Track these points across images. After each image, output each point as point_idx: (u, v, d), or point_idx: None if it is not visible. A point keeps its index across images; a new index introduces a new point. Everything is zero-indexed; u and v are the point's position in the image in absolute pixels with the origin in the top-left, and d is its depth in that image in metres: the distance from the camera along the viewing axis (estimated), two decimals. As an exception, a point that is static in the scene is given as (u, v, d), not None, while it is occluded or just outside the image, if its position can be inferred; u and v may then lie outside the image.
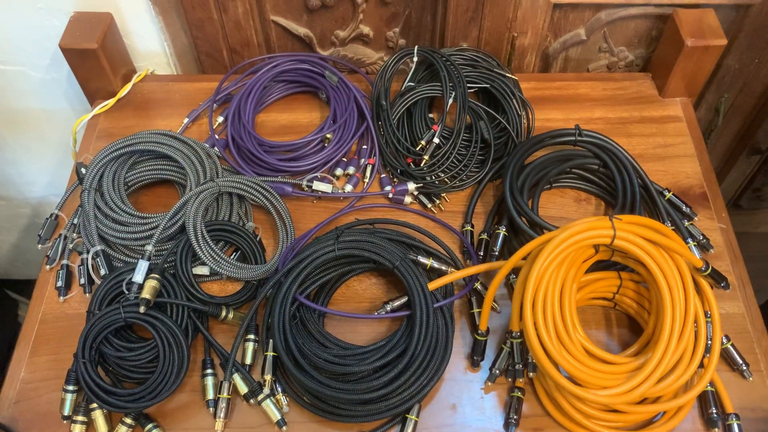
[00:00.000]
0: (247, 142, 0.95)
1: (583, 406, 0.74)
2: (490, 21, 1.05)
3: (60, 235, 0.89)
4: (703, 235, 0.90)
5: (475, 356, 0.80)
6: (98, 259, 0.82)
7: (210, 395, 0.78)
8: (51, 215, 0.91)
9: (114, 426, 0.76)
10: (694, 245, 0.88)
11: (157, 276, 0.78)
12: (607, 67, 1.15)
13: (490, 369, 0.79)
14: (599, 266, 0.82)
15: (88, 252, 0.83)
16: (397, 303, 0.82)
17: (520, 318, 0.75)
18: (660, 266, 0.72)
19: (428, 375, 0.77)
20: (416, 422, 0.77)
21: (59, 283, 0.86)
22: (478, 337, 0.80)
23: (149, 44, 1.07)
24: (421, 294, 0.78)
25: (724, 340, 0.80)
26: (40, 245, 0.90)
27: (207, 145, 0.94)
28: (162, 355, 0.75)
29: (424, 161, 0.93)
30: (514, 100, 0.98)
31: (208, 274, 0.86)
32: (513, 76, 1.02)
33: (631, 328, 0.84)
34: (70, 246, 0.87)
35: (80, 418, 0.77)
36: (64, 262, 0.87)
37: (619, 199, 0.88)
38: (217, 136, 0.99)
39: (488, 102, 1.02)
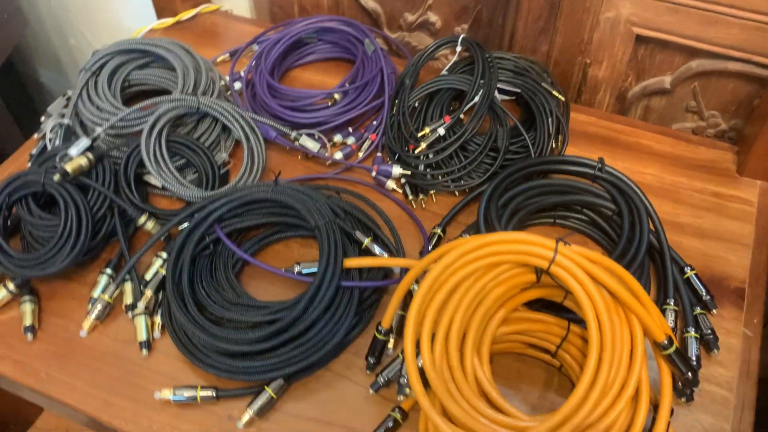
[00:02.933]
0: (257, 81, 0.92)
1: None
2: (562, 38, 0.94)
3: (61, 113, 0.91)
4: (712, 330, 0.70)
5: (369, 356, 0.68)
6: (58, 131, 0.82)
7: (95, 293, 0.74)
8: (65, 94, 0.94)
9: (-3, 287, 0.75)
10: (694, 336, 0.69)
11: (89, 156, 0.76)
12: (693, 131, 0.98)
13: (377, 375, 0.67)
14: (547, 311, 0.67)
15: (53, 126, 0.84)
16: (310, 268, 0.73)
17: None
18: (595, 302, 0.57)
19: (304, 352, 0.67)
20: (272, 398, 0.66)
21: (33, 151, 0.87)
22: (377, 335, 0.68)
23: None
24: (332, 263, 0.69)
25: None
26: (42, 117, 0.93)
27: (214, 68, 0.92)
28: (61, 229, 0.73)
29: (419, 148, 0.84)
30: (549, 120, 0.86)
31: (159, 186, 0.83)
32: (561, 97, 0.90)
33: (571, 400, 0.67)
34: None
35: (-25, 268, 0.76)
36: (49, 136, 0.88)
37: (618, 247, 0.72)
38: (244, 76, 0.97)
39: (525, 118, 0.91)
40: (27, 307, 0.73)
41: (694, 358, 0.68)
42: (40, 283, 0.77)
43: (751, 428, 0.66)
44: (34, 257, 0.73)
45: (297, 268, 0.73)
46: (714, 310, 0.73)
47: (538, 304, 0.68)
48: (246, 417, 0.65)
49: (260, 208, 0.76)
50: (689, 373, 0.59)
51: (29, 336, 0.72)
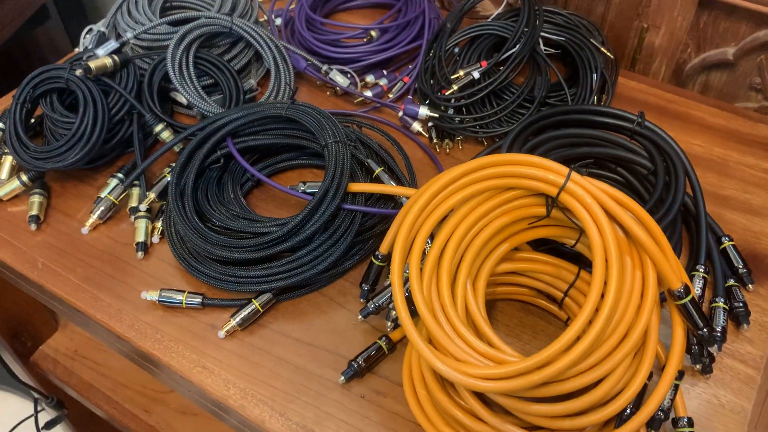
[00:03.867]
0: (297, 14, 0.90)
1: (435, 386, 0.55)
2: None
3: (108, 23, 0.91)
4: (744, 304, 0.63)
5: (363, 283, 0.65)
6: (93, 39, 0.83)
7: (102, 194, 0.74)
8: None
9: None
10: (722, 307, 0.62)
11: (115, 58, 0.75)
12: (756, 111, 0.90)
13: (367, 302, 0.63)
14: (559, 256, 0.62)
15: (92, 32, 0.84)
16: (314, 188, 0.70)
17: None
18: (604, 236, 0.51)
19: (297, 268, 0.64)
20: (257, 311, 0.64)
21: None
22: (374, 260, 0.64)
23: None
24: (335, 182, 0.65)
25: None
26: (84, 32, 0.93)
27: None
28: (77, 125, 0.72)
29: (451, 90, 0.80)
30: (594, 75, 0.81)
31: (184, 104, 0.82)
32: (610, 54, 0.84)
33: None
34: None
35: (-8, 157, 0.77)
36: (83, 43, 0.88)
37: (647, 206, 0.66)
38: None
39: (569, 75, 0.85)
40: (36, 199, 0.73)
41: (719, 329, 0.61)
42: (53, 180, 0.77)
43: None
44: (47, 149, 0.73)
45: (302, 187, 0.70)
46: (750, 285, 0.66)
47: (549, 250, 0.63)
48: (228, 326, 0.63)
49: (275, 127, 0.74)
50: (705, 330, 0.53)
51: (33, 226, 0.72)
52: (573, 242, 0.59)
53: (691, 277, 0.65)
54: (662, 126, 0.82)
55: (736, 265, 0.67)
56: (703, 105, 0.86)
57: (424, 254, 0.56)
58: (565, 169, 0.53)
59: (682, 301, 0.53)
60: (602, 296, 0.50)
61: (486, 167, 0.55)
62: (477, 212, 0.56)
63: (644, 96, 0.87)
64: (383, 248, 0.63)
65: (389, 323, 0.61)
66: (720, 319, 0.62)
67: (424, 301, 0.53)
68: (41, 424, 1.07)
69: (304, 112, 0.71)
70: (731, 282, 0.65)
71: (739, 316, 0.63)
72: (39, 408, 1.06)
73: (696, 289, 0.64)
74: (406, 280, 0.56)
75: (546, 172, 0.53)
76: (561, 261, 0.61)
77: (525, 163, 0.54)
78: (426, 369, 0.56)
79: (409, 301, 0.54)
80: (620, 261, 0.51)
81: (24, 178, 0.74)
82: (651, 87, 0.88)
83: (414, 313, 0.53)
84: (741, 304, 0.63)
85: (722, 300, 0.63)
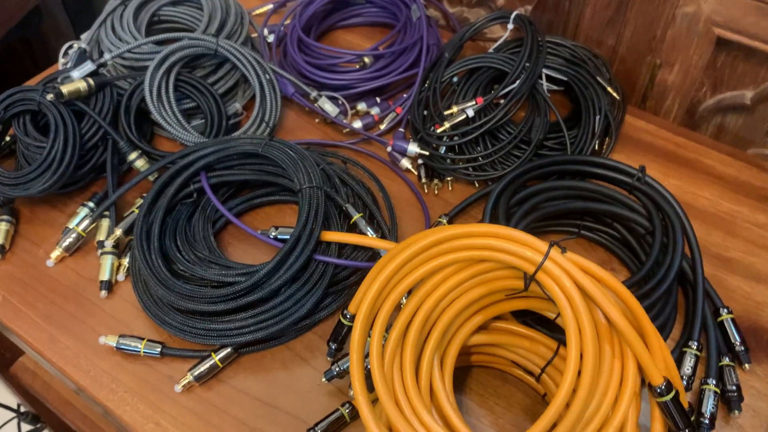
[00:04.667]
0: (289, 34, 0.86)
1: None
2: (631, 31, 0.83)
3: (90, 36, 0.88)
4: (737, 387, 0.59)
5: (330, 341, 0.61)
6: (74, 55, 0.79)
7: (70, 224, 0.71)
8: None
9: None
10: (713, 390, 0.58)
11: (90, 81, 0.72)
12: (771, 160, 0.85)
13: (332, 363, 0.59)
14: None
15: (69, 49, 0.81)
16: (287, 234, 0.66)
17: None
18: (579, 319, 0.47)
19: (261, 322, 0.60)
20: (216, 366, 0.60)
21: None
22: (342, 320, 0.60)
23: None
24: (307, 231, 0.62)
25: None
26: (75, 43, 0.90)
27: (246, 14, 0.86)
28: (47, 151, 0.69)
29: (442, 128, 0.75)
30: (597, 118, 0.76)
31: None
32: (616, 95, 0.79)
33: None
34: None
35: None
36: (62, 61, 0.84)
37: (643, 269, 0.61)
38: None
39: (572, 115, 0.80)
40: (2, 226, 0.71)
41: (707, 416, 0.57)
42: (23, 206, 0.75)
43: None
44: (15, 176, 0.70)
45: (273, 233, 0.66)
46: (746, 365, 0.61)
47: (531, 320, 0.59)
48: (184, 381, 0.60)
49: (252, 163, 0.70)
50: (686, 431, 0.49)
51: (-4, 256, 0.69)
52: (554, 315, 0.55)
53: (682, 354, 0.60)
54: (669, 173, 0.78)
55: (733, 341, 0.62)
56: (714, 152, 0.80)
57: (390, 326, 0.53)
58: (544, 246, 0.49)
59: (663, 399, 0.48)
60: (575, 390, 0.46)
61: (461, 237, 0.51)
62: (449, 282, 0.52)
63: (652, 138, 0.82)
64: (352, 308, 0.59)
65: (352, 393, 0.58)
66: (709, 404, 0.57)
67: (384, 381, 0.49)
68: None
69: (281, 151, 0.67)
70: (726, 361, 0.60)
71: (730, 402, 0.58)
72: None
73: (686, 369, 0.59)
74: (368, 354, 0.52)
75: (524, 248, 0.49)
76: (539, 335, 0.56)
77: (502, 236, 0.50)
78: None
79: (369, 376, 0.50)
80: (595, 351, 0.47)
81: (-9, 202, 0.72)
82: (660, 128, 0.83)
83: (372, 389, 0.50)
84: (734, 388, 0.59)
85: (714, 382, 0.58)
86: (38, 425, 1.00)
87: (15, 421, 1.13)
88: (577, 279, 0.48)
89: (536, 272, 0.49)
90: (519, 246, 0.49)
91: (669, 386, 0.48)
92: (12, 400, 1.12)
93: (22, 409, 1.00)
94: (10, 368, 1.01)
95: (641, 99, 0.89)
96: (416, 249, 0.51)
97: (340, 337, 0.61)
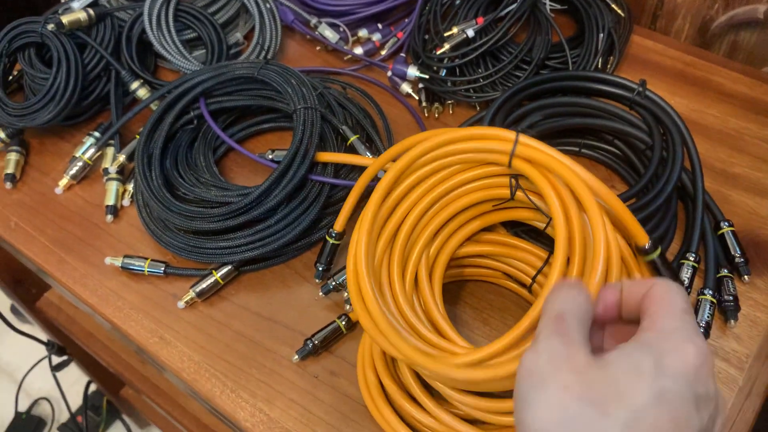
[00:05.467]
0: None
1: (384, 372, 0.52)
2: (639, -53, 0.80)
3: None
4: (735, 297, 0.58)
5: (317, 263, 0.62)
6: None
7: (77, 153, 0.72)
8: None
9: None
10: (709, 300, 0.57)
11: (90, 12, 0.73)
12: (786, 77, 0.82)
13: (328, 279, 0.61)
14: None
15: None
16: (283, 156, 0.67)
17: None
18: (564, 201, 0.46)
19: (259, 240, 0.61)
20: (217, 283, 0.62)
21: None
22: (328, 238, 0.61)
23: None
24: (302, 151, 0.62)
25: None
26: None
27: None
28: (50, 82, 0.70)
29: (443, 49, 0.74)
30: (601, 35, 0.74)
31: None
32: (621, 12, 0.77)
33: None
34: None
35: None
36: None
37: (640, 182, 0.60)
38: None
39: (576, 35, 0.79)
40: (12, 156, 0.73)
41: (702, 324, 0.57)
42: (32, 137, 0.76)
43: (754, 417, 0.54)
44: (22, 107, 0.71)
45: (270, 155, 0.67)
46: (746, 277, 0.60)
47: (522, 232, 0.59)
48: (187, 297, 0.62)
49: (250, 88, 0.70)
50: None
51: (8, 184, 0.72)
52: (543, 225, 0.55)
53: (680, 266, 0.60)
54: (677, 91, 0.76)
55: (733, 253, 0.61)
56: (725, 69, 0.78)
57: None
58: (510, 134, 0.48)
59: (651, 257, 0.48)
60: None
61: (442, 145, 0.50)
62: (435, 192, 0.52)
63: (660, 58, 0.80)
64: (337, 225, 0.60)
65: (348, 305, 0.59)
66: (705, 313, 0.57)
67: (370, 286, 0.50)
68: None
69: (277, 74, 0.67)
70: (724, 272, 0.60)
71: (727, 311, 0.58)
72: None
73: (684, 279, 0.59)
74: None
75: (491, 142, 0.49)
76: (529, 244, 0.57)
77: (467, 137, 0.49)
78: (376, 353, 0.53)
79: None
80: (579, 221, 0.46)
81: (2, 134, 0.73)
82: (669, 48, 0.80)
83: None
84: (731, 298, 0.58)
85: (710, 292, 0.58)
86: (65, 357, 1.04)
87: (47, 360, 1.19)
88: (553, 155, 0.47)
89: (511, 160, 0.48)
90: (485, 142, 0.49)
91: (655, 244, 0.48)
92: (44, 337, 1.17)
93: (51, 342, 1.05)
94: (36, 303, 1.06)
95: (651, 20, 0.86)
96: (403, 163, 0.51)
97: (326, 257, 0.61)
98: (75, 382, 1.47)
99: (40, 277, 1.04)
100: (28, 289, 1.03)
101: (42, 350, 1.15)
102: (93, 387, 1.44)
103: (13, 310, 1.62)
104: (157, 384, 1.06)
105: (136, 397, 1.28)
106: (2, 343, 1.69)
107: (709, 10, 0.82)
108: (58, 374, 1.23)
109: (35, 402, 1.56)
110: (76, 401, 1.47)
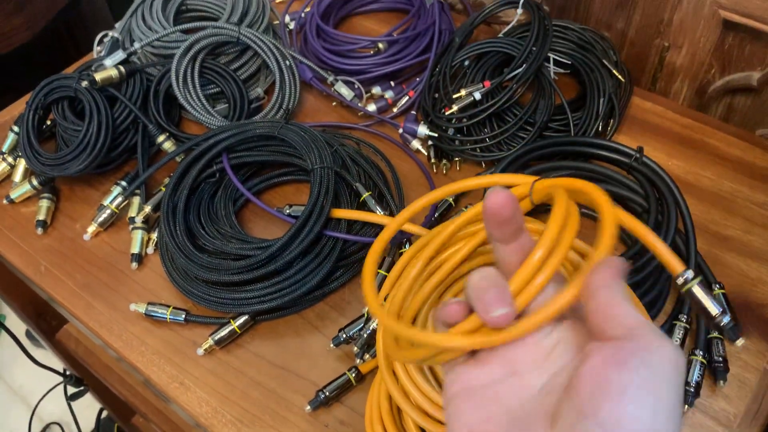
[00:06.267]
0: (308, 21, 0.90)
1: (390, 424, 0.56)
2: (640, 15, 0.85)
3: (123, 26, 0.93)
4: (724, 359, 0.61)
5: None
6: (108, 44, 0.85)
7: (105, 201, 0.77)
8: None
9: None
10: (699, 361, 0.61)
11: (121, 69, 0.78)
12: (780, 140, 0.86)
13: (340, 329, 0.64)
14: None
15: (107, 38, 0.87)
16: (299, 212, 0.71)
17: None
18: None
19: (275, 292, 0.65)
20: (234, 332, 0.66)
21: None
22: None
23: None
24: (318, 209, 0.66)
25: None
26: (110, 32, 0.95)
27: (268, 2, 0.91)
28: (82, 134, 0.75)
29: (451, 110, 0.79)
30: (601, 100, 0.78)
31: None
32: (621, 78, 0.81)
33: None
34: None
35: (9, 159, 0.81)
36: (97, 48, 0.90)
37: (636, 246, 0.64)
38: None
39: (578, 97, 0.83)
40: (44, 203, 0.77)
41: (693, 384, 0.60)
42: (63, 184, 0.81)
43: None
44: (55, 158, 0.76)
45: (288, 210, 0.71)
46: (737, 341, 0.63)
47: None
48: (206, 345, 0.65)
49: (269, 144, 0.75)
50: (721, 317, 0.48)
51: (39, 230, 0.76)
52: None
53: (672, 327, 0.63)
54: (674, 154, 0.80)
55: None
56: (720, 132, 0.82)
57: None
58: (529, 179, 0.51)
59: (689, 285, 0.48)
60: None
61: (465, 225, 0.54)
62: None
63: (659, 120, 0.84)
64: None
65: (357, 359, 0.63)
66: (695, 373, 0.61)
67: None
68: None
69: (295, 134, 0.72)
70: (714, 334, 0.63)
71: (716, 372, 0.61)
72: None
73: (675, 340, 0.62)
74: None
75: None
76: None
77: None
78: (384, 407, 0.57)
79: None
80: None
81: (35, 182, 0.78)
82: (668, 110, 0.85)
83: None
84: (720, 359, 0.62)
85: (701, 353, 0.61)
86: (82, 387, 1.08)
87: (62, 386, 1.23)
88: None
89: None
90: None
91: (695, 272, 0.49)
92: (59, 365, 1.21)
93: (68, 373, 1.08)
94: (56, 335, 1.10)
95: (651, 81, 0.90)
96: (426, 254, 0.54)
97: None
98: (87, 407, 1.51)
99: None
100: (49, 321, 1.07)
101: (56, 375, 1.19)
102: (105, 413, 1.48)
103: (28, 335, 1.66)
104: (168, 416, 1.10)
105: (146, 426, 1.31)
106: (17, 367, 1.73)
107: (706, 74, 0.86)
108: (71, 401, 1.27)
109: (47, 426, 1.60)
110: (87, 426, 1.51)
